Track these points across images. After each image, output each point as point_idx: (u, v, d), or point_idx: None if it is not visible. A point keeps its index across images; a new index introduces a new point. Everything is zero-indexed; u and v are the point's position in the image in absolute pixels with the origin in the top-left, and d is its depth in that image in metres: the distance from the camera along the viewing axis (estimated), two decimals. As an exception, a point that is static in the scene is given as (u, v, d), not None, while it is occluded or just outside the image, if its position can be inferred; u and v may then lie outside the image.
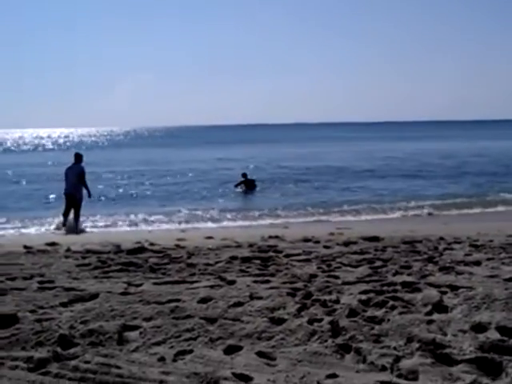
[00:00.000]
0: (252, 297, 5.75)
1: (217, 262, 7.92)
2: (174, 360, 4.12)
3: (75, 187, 14.20)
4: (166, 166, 35.09)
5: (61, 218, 14.25)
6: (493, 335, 4.46)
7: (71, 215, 14.18)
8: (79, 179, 14.16)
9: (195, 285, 6.43)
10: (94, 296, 5.86)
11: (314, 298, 5.67)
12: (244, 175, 23.35)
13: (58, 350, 4.23)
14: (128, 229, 14.59)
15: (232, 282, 6.51)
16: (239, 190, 22.88)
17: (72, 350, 4.25)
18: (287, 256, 8.38)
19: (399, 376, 3.81)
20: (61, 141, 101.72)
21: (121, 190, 23.76)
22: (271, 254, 8.60)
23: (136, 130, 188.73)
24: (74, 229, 13.78)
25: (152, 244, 9.82)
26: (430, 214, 16.12)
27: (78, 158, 14.46)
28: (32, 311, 5.28)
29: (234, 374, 3.83)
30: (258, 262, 7.94)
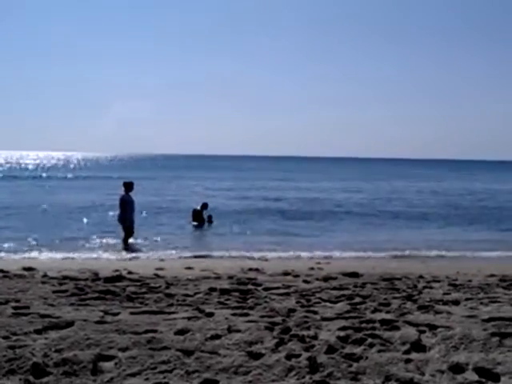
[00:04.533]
0: (230, 330, 5.70)
1: (195, 293, 7.87)
2: (149, 392, 4.05)
3: (120, 215, 16.27)
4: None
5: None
6: (470, 376, 4.46)
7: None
8: (121, 207, 16.21)
9: (173, 316, 6.37)
10: (70, 324, 5.77)
11: (292, 333, 5.64)
12: (204, 206, 21.78)
13: (31, 378, 4.15)
14: (106, 256, 14.41)
15: (210, 314, 6.46)
16: (194, 223, 21.33)
17: (45, 379, 4.17)
18: (266, 289, 8.35)
19: (376, 415, 3.78)
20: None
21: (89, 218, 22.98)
22: (250, 286, 8.57)
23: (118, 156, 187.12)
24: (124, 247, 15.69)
25: (130, 272, 9.75)
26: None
27: (125, 186, 16.30)
28: (5, 337, 5.18)
29: (209, 408, 3.78)
30: (236, 294, 7.90)
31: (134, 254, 14.62)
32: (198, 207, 21.84)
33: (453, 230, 22.29)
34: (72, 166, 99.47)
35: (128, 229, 16.17)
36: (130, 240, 16.27)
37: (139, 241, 16.68)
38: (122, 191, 16.38)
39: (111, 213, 21.85)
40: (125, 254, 14.63)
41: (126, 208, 16.02)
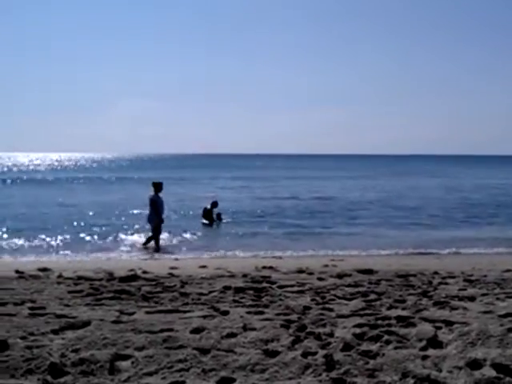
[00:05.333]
0: (245, 328, 5.70)
1: (210, 292, 7.87)
2: (166, 391, 4.06)
3: (149, 215, 16.25)
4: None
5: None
6: (488, 372, 4.42)
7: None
8: (152, 208, 16.13)
9: (188, 314, 6.38)
10: (86, 324, 5.79)
11: (308, 330, 5.63)
12: (214, 204, 21.63)
13: (49, 378, 4.17)
14: (121, 256, 14.47)
15: (225, 313, 6.46)
16: (205, 221, 21.27)
17: (63, 379, 4.19)
18: (281, 287, 8.34)
19: (394, 412, 3.76)
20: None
21: (104, 218, 22.88)
22: (265, 284, 8.56)
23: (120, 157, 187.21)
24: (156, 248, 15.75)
25: (145, 272, 9.77)
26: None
27: (154, 187, 16.25)
28: (23, 338, 5.21)
29: (226, 406, 3.78)
30: (251, 292, 7.89)
31: (148, 254, 14.69)
32: (209, 206, 21.81)
33: (468, 225, 22.15)
34: (84, 166, 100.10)
35: (157, 229, 16.15)
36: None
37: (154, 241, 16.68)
38: (151, 191, 16.32)
39: (136, 211, 22.11)
40: (139, 254, 14.70)
41: (157, 208, 16.00)
